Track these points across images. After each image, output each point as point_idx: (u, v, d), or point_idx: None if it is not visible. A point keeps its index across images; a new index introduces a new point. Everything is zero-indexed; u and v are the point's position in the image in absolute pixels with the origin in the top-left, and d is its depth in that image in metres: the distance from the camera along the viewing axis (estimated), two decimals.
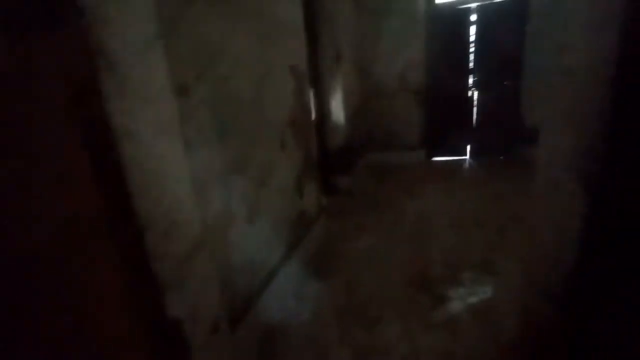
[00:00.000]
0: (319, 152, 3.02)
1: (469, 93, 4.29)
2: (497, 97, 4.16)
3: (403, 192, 3.46)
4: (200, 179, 1.42)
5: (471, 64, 4.19)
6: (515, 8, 3.80)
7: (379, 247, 2.47)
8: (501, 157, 4.25)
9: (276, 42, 2.12)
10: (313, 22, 3.14)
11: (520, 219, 2.55)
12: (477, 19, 4.00)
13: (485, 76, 4.16)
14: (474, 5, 3.97)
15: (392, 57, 4.27)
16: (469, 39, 4.10)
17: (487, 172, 3.86)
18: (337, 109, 3.80)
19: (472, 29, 4.06)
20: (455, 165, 4.29)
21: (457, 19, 4.06)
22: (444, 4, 4.08)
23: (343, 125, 4.01)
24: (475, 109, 4.33)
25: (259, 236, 1.91)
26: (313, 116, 3.12)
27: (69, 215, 0.85)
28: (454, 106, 4.37)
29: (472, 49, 4.15)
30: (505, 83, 4.08)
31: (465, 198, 3.14)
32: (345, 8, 3.81)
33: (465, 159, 4.45)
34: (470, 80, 4.26)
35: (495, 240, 2.36)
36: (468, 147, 4.49)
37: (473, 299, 1.81)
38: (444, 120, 4.40)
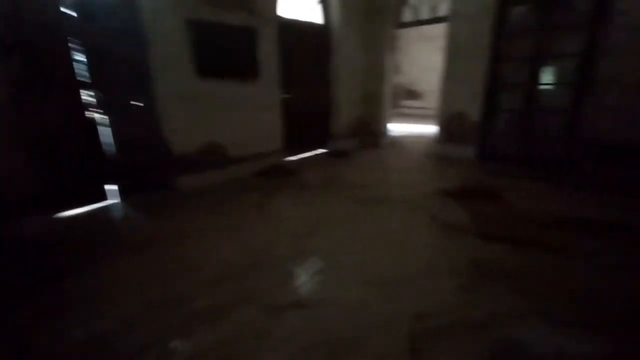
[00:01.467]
0: None
1: (89, 115, 3.02)
2: (131, 120, 3.28)
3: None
4: None
5: (83, 77, 2.92)
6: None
7: None
8: (157, 193, 3.49)
9: None
10: None
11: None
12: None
13: (109, 94, 3.10)
14: None
15: None
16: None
17: (157, 225, 2.73)
18: None
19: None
20: (105, 216, 2.91)
21: None
22: None
23: None
24: (105, 136, 3.15)
25: None
26: None
27: None
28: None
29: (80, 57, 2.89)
30: (134, 103, 3.28)
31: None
32: None
33: (112, 204, 3.19)
34: (87, 98, 3.02)
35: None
36: (112, 188, 3.27)
37: None
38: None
